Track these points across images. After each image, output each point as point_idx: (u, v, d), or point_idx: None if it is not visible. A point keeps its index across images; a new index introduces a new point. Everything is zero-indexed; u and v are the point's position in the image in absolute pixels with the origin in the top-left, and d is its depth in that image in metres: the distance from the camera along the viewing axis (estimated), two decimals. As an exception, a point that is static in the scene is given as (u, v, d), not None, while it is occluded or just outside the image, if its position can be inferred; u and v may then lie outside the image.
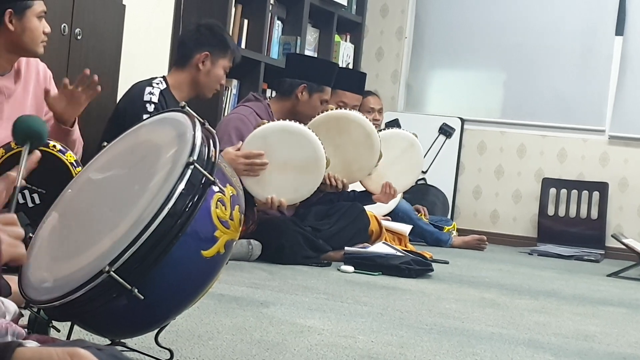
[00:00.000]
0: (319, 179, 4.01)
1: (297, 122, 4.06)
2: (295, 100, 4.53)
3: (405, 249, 4.66)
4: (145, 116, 3.89)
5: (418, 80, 7.42)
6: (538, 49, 6.99)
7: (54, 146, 3.03)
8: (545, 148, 6.92)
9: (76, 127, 3.29)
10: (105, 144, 2.03)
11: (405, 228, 5.17)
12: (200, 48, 4.17)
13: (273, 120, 4.41)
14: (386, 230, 4.88)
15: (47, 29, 3.60)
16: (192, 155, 1.70)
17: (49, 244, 1.84)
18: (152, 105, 3.95)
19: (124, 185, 1.83)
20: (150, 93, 4.00)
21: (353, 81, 5.31)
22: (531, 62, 7.02)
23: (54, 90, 3.35)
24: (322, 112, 4.49)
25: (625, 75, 6.78)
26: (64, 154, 3.02)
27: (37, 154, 1.95)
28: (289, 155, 3.93)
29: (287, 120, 4.10)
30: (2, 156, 2.95)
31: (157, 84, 4.06)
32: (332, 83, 4.67)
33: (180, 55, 4.24)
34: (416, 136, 5.02)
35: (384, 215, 5.38)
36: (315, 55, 6.43)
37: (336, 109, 4.59)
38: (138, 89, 4.06)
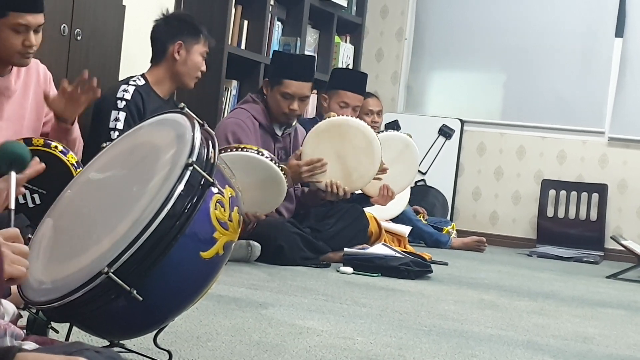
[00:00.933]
0: (283, 188, 4.05)
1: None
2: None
3: (404, 250, 4.66)
4: (114, 112, 3.89)
5: (418, 81, 7.42)
6: (538, 50, 6.99)
7: (56, 147, 3.04)
8: (545, 149, 6.92)
9: (76, 125, 3.29)
10: (104, 144, 2.03)
11: (404, 229, 5.17)
12: (172, 39, 4.13)
13: (267, 122, 4.42)
14: (385, 231, 4.88)
15: (203, 68, 4.09)
16: (191, 156, 1.70)
17: (48, 244, 1.84)
18: (123, 102, 3.93)
19: (123, 186, 1.83)
20: (124, 90, 3.98)
21: (354, 81, 5.28)
22: (531, 63, 7.02)
23: (53, 92, 3.35)
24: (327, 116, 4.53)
25: (624, 77, 6.78)
26: (65, 155, 3.02)
27: (41, 165, 1.97)
28: (250, 179, 3.91)
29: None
30: None
31: (134, 81, 4.04)
32: (312, 77, 4.58)
33: (155, 51, 4.19)
34: (411, 137, 5.02)
35: (387, 220, 5.38)
36: (315, 56, 6.43)
37: (340, 111, 4.60)
38: (114, 87, 4.05)
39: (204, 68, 4.23)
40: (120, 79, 4.44)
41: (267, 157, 4.00)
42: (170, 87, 4.16)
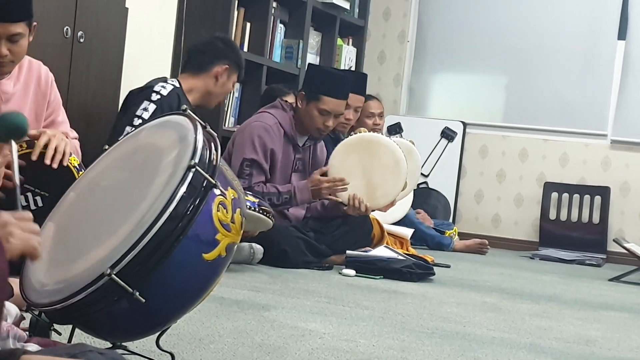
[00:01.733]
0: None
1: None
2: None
3: (406, 252, 4.66)
4: (145, 102, 3.93)
5: (420, 83, 7.42)
6: (540, 52, 6.99)
7: None
8: (547, 152, 6.92)
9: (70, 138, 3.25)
10: (106, 147, 2.03)
11: (407, 232, 5.17)
12: (221, 60, 4.24)
13: (292, 131, 4.40)
14: (388, 233, 4.87)
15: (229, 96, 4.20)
16: (193, 158, 1.70)
17: (51, 247, 1.84)
18: (158, 96, 3.98)
19: (126, 188, 1.83)
20: (162, 87, 4.05)
21: (355, 82, 5.28)
22: (533, 66, 7.02)
23: (55, 94, 3.33)
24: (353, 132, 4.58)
25: (627, 79, 6.78)
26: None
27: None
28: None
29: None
30: None
31: (172, 82, 4.11)
32: (348, 95, 4.58)
33: (196, 62, 4.25)
34: (413, 144, 5.02)
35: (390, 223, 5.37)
36: (318, 59, 6.44)
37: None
38: (152, 81, 4.13)
39: (229, 95, 4.37)
40: (123, 81, 4.45)
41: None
42: (198, 100, 4.24)
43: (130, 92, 4.11)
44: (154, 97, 3.98)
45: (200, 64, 4.24)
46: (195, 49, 4.31)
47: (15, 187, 1.78)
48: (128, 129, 3.87)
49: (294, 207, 4.42)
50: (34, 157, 2.86)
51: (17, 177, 1.77)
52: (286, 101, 4.55)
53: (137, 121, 3.89)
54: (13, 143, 1.85)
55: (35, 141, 3.00)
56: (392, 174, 4.43)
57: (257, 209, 3.81)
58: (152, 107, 3.95)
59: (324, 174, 4.39)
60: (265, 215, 3.85)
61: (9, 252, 1.43)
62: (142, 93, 4.01)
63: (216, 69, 4.22)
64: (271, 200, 4.21)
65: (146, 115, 3.91)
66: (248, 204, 3.73)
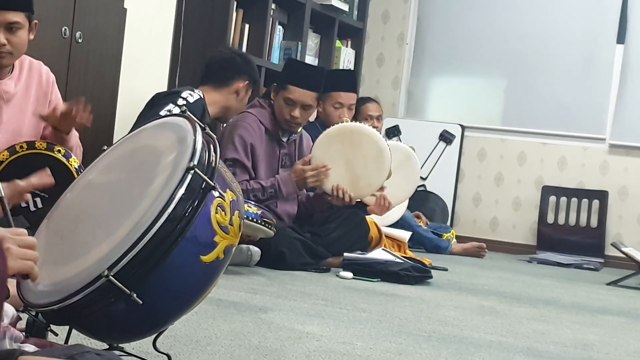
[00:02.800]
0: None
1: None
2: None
3: (404, 255, 4.65)
4: (170, 105, 3.94)
5: (419, 86, 7.42)
6: (539, 56, 6.99)
7: (59, 151, 3.03)
8: (546, 156, 6.92)
9: (73, 134, 3.27)
10: (105, 147, 2.02)
11: (404, 235, 5.17)
12: (241, 75, 4.30)
13: (273, 127, 4.41)
14: (386, 236, 4.87)
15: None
16: (192, 160, 1.69)
17: (48, 247, 1.83)
18: (184, 101, 4.01)
19: (124, 189, 1.83)
20: (190, 94, 4.09)
21: (344, 80, 5.25)
22: (532, 69, 7.03)
23: (56, 94, 3.34)
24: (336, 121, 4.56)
25: (626, 83, 6.79)
26: (67, 159, 3.01)
27: (51, 180, 1.95)
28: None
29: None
30: (7, 159, 2.95)
31: (198, 92, 4.15)
32: (318, 88, 4.52)
33: (217, 77, 4.28)
34: (414, 149, 5.01)
35: (388, 226, 5.37)
36: (316, 61, 6.43)
37: (345, 117, 4.59)
38: (180, 88, 4.18)
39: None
40: (120, 82, 4.44)
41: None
42: (216, 114, 4.29)
43: (158, 94, 4.13)
44: (180, 102, 4.00)
45: (222, 79, 4.29)
46: (216, 64, 4.34)
47: (2, 200, 1.74)
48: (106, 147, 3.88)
49: (281, 201, 4.42)
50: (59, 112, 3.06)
51: (2, 190, 1.75)
52: (264, 99, 4.55)
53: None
54: None
55: (37, 142, 3.00)
56: (375, 164, 4.40)
57: (259, 221, 3.84)
58: (176, 111, 3.96)
59: (307, 164, 4.37)
60: (267, 227, 3.88)
61: (7, 270, 1.43)
62: (170, 96, 4.04)
63: (237, 85, 4.28)
64: (257, 197, 4.23)
65: None
66: (251, 215, 3.76)
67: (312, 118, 6.07)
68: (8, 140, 3.06)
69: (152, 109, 4.02)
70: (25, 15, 3.07)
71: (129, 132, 3.87)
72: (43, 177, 2.04)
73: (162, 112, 3.94)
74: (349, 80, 5.29)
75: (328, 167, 4.35)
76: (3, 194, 1.73)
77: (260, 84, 5.54)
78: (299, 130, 4.60)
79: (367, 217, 4.74)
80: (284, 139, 4.54)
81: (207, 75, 4.34)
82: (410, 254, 4.97)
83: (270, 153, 4.47)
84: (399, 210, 5.50)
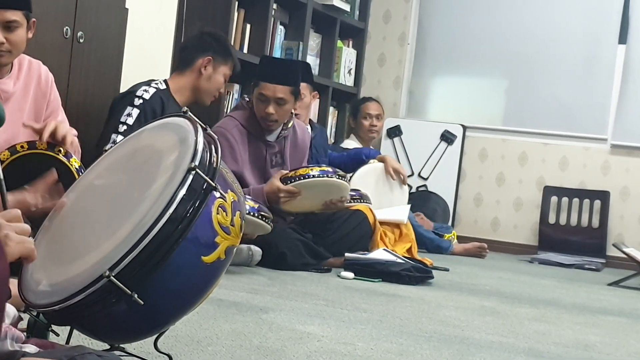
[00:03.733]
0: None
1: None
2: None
3: (405, 255, 4.62)
4: (128, 107, 3.96)
5: (420, 86, 7.41)
6: (540, 56, 6.98)
7: (59, 151, 3.03)
8: (547, 156, 6.92)
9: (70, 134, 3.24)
10: (106, 148, 2.02)
11: (401, 215, 5.08)
12: (203, 53, 4.23)
13: (257, 128, 4.38)
14: (381, 223, 4.80)
15: (222, 89, 4.28)
16: (193, 160, 1.69)
17: (49, 248, 1.83)
18: (140, 100, 4.01)
19: (125, 190, 1.83)
20: (145, 90, 4.08)
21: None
22: (533, 69, 7.02)
23: (54, 94, 3.33)
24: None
25: (627, 83, 6.78)
26: (68, 159, 3.01)
27: (53, 176, 1.95)
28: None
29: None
30: (8, 158, 2.95)
31: (156, 84, 4.13)
32: (292, 82, 4.38)
33: (182, 60, 4.29)
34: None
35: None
36: (318, 61, 6.43)
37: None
38: (135, 86, 4.14)
39: (223, 89, 4.35)
40: (122, 82, 4.45)
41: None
42: (189, 98, 4.24)
43: (114, 98, 4.13)
44: (137, 101, 4.01)
45: (185, 60, 4.27)
46: (181, 46, 4.33)
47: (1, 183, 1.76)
48: (114, 136, 3.89)
49: None
50: (45, 137, 2.96)
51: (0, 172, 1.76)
52: (248, 100, 4.50)
53: (122, 127, 3.91)
54: None
55: (38, 142, 3.00)
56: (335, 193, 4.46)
57: (256, 214, 3.83)
58: (135, 112, 3.97)
59: (284, 177, 4.29)
60: (264, 221, 3.87)
61: (8, 255, 1.43)
62: (125, 99, 4.04)
63: (199, 62, 4.22)
64: None
65: (130, 121, 3.93)
66: (247, 208, 3.74)
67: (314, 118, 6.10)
68: (7, 139, 3.06)
69: (112, 116, 4.02)
70: (23, 14, 3.07)
71: (97, 143, 3.90)
72: (48, 177, 2.04)
73: (122, 118, 3.96)
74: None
75: (300, 192, 4.27)
76: (2, 177, 1.74)
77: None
78: (290, 124, 4.53)
79: (363, 206, 4.71)
80: (270, 139, 4.49)
81: (176, 61, 4.32)
82: (414, 253, 4.94)
83: (255, 155, 4.43)
84: (402, 212, 5.48)
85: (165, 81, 4.22)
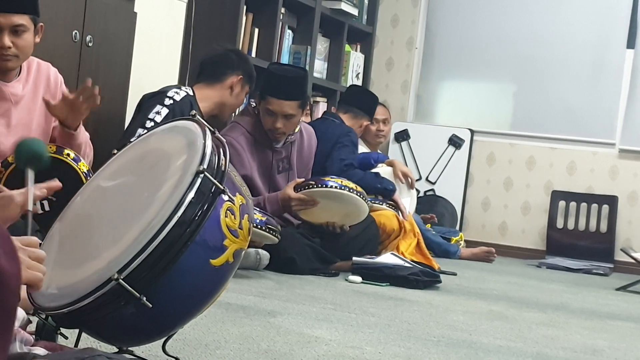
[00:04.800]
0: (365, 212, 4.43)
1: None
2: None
3: (413, 260, 4.62)
4: (158, 106, 3.98)
5: (428, 91, 7.41)
6: (548, 61, 6.98)
7: (68, 154, 3.04)
8: (555, 160, 6.91)
9: (80, 131, 3.27)
10: (115, 151, 2.03)
11: (406, 205, 5.15)
12: (235, 71, 4.31)
13: (263, 134, 4.38)
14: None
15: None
16: (202, 163, 1.69)
17: (58, 251, 1.84)
18: (171, 101, 4.05)
19: (134, 192, 1.83)
20: (176, 92, 4.12)
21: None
22: (541, 74, 7.01)
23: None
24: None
25: (636, 88, 6.77)
26: (77, 163, 3.01)
27: (57, 183, 1.96)
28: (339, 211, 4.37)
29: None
30: (14, 162, 2.95)
31: (186, 89, 4.18)
32: (299, 96, 4.34)
33: (210, 73, 4.30)
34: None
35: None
36: (326, 65, 6.44)
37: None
38: (167, 87, 4.18)
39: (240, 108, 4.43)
40: (131, 86, 4.46)
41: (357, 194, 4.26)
42: (211, 111, 4.28)
43: (144, 95, 4.15)
44: (167, 101, 4.04)
45: (215, 74, 4.30)
46: (209, 60, 4.34)
47: (27, 214, 1.79)
48: (140, 131, 3.91)
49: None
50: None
51: (30, 205, 1.79)
52: (255, 105, 4.49)
53: (149, 124, 3.94)
54: (30, 172, 1.86)
55: (46, 144, 3.01)
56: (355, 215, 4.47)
57: (263, 227, 3.85)
58: (164, 111, 4.00)
59: (297, 186, 4.31)
60: (271, 234, 3.89)
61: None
62: (156, 97, 4.06)
63: (230, 80, 4.29)
64: None
65: (158, 119, 3.96)
66: (256, 222, 3.76)
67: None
68: (16, 141, 3.06)
69: (140, 112, 4.05)
70: (30, 18, 3.07)
71: (122, 136, 3.93)
72: (51, 184, 2.04)
73: (151, 115, 3.98)
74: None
75: (317, 202, 4.29)
76: (30, 208, 1.76)
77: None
78: (297, 129, 4.52)
79: (388, 210, 4.76)
80: (277, 145, 4.49)
81: (200, 72, 4.36)
82: (420, 257, 4.93)
83: (262, 162, 4.44)
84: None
85: (191, 88, 4.25)
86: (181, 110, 4.01)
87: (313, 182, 4.31)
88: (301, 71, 4.54)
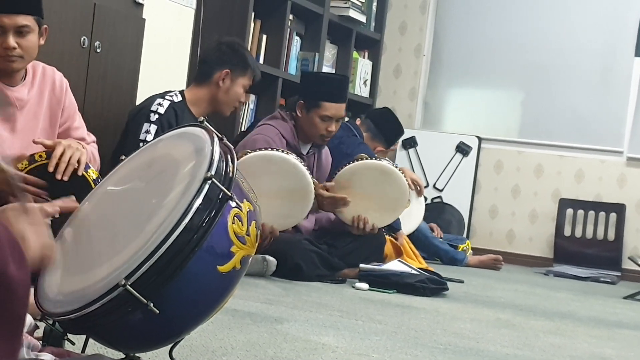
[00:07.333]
0: (309, 204, 4.18)
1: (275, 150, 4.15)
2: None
3: (421, 267, 4.61)
4: (145, 124, 3.99)
5: (436, 98, 7.41)
6: (557, 68, 6.98)
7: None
8: (563, 168, 6.90)
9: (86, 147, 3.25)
10: (123, 157, 2.03)
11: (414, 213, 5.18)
12: (221, 66, 4.24)
13: (294, 141, 4.43)
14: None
15: (243, 99, 4.29)
16: (210, 170, 1.69)
17: (66, 256, 1.84)
18: (156, 116, 4.04)
19: (141, 199, 1.83)
20: (159, 104, 4.10)
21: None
22: (549, 81, 7.01)
23: (69, 99, 3.33)
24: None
25: (644, 96, 6.76)
26: (86, 170, 3.02)
27: (75, 204, 1.95)
28: (277, 184, 4.07)
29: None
30: (26, 167, 2.95)
31: (171, 96, 4.14)
32: (346, 98, 4.61)
33: (200, 72, 4.31)
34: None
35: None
36: (334, 72, 6.44)
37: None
38: (150, 99, 4.16)
39: (243, 99, 4.38)
40: (139, 92, 4.47)
41: (305, 166, 4.13)
42: (206, 110, 4.26)
43: (130, 112, 4.15)
44: (153, 117, 4.04)
45: (203, 73, 4.29)
46: (200, 58, 4.35)
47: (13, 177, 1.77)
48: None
49: None
50: (50, 169, 2.90)
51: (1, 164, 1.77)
52: (286, 112, 4.55)
53: (142, 145, 3.92)
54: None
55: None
56: (393, 207, 4.49)
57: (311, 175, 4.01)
58: (153, 128, 4.01)
59: (327, 189, 4.37)
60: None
61: (30, 250, 1.44)
62: (141, 114, 4.06)
63: (216, 76, 4.24)
64: None
65: (150, 138, 3.97)
66: (304, 163, 3.95)
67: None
68: (23, 146, 3.07)
69: (129, 135, 4.05)
70: (34, 19, 3.07)
71: (115, 149, 3.92)
72: (67, 202, 2.03)
73: (142, 136, 3.98)
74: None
75: (347, 201, 4.35)
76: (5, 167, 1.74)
77: (277, 95, 5.56)
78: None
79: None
80: (305, 153, 4.55)
81: (195, 73, 4.35)
82: (423, 263, 4.93)
83: None
84: (414, 220, 5.48)
85: (181, 92, 4.23)
86: (168, 122, 4.01)
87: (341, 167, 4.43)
88: (341, 75, 4.72)
